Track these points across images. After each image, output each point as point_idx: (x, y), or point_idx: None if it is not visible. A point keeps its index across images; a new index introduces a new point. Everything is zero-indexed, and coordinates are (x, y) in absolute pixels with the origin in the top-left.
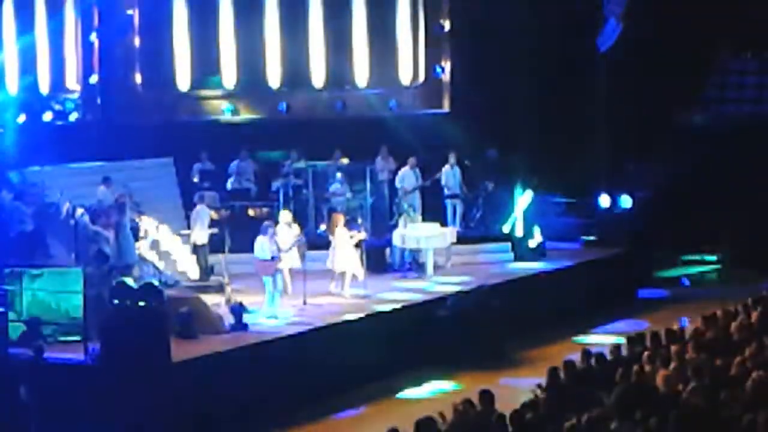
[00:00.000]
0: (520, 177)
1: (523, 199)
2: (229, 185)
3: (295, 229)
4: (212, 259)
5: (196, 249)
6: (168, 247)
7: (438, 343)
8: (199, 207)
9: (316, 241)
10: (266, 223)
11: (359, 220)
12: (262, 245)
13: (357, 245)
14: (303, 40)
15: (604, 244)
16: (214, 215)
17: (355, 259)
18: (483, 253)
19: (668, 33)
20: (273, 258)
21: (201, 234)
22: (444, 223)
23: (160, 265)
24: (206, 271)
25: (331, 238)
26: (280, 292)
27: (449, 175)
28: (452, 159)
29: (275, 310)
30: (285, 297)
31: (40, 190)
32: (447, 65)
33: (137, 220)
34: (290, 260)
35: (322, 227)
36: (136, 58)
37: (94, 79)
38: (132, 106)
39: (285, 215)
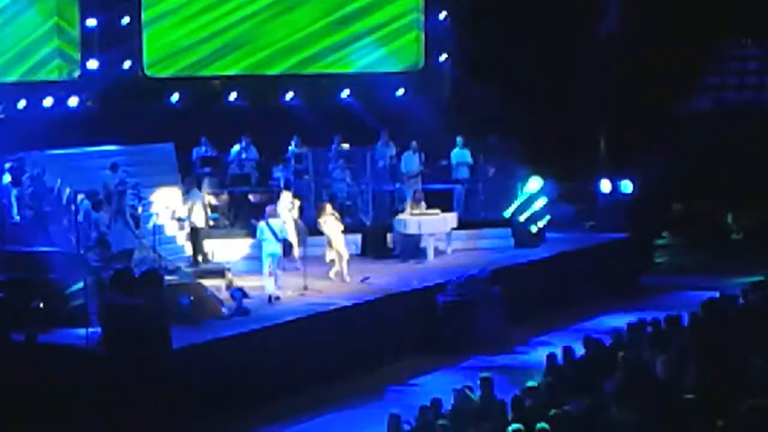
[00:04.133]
0: (527, 164)
1: (532, 185)
2: (230, 170)
3: (296, 210)
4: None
5: (193, 233)
6: (172, 232)
7: (439, 329)
8: (194, 191)
9: (316, 227)
10: (269, 207)
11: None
12: (262, 230)
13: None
14: (304, 25)
15: (605, 230)
16: (213, 200)
17: (342, 243)
18: (483, 239)
19: (670, 19)
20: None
21: (198, 218)
22: (450, 208)
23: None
24: (203, 255)
25: (321, 227)
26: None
27: (456, 157)
28: (460, 141)
29: (273, 290)
30: (287, 278)
31: (41, 175)
32: (448, 50)
33: (140, 210)
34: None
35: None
36: (135, 43)
37: (93, 64)
38: (132, 92)
39: (286, 196)
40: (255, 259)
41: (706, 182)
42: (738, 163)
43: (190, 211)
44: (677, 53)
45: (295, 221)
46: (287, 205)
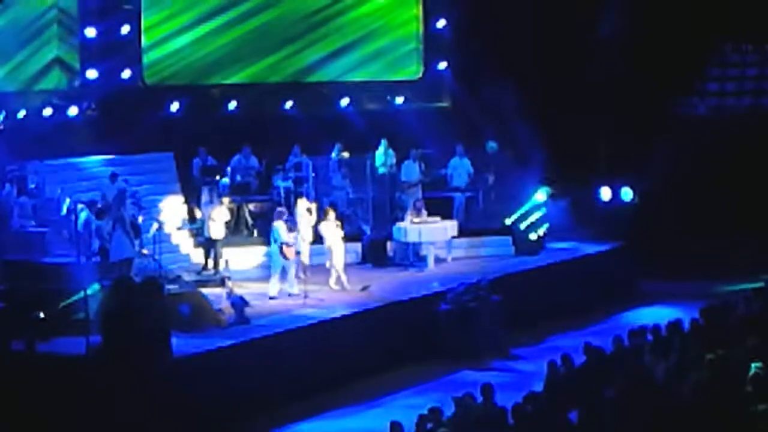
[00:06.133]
0: (538, 175)
1: (539, 196)
2: (228, 180)
3: (314, 216)
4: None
5: (210, 243)
6: (176, 240)
7: (439, 337)
8: (216, 202)
9: (317, 236)
10: (280, 209)
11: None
12: (278, 230)
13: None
14: (304, 34)
15: (605, 237)
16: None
17: (341, 251)
18: (484, 247)
19: (670, 25)
20: (290, 244)
21: (218, 228)
22: (450, 216)
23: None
24: (218, 264)
25: (321, 232)
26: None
27: (457, 166)
28: (460, 150)
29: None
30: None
31: (42, 185)
32: (448, 59)
33: (140, 219)
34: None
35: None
36: (135, 53)
37: (92, 73)
38: (131, 101)
39: (302, 203)
40: (268, 267)
41: (705, 188)
42: (737, 168)
43: (210, 220)
44: (677, 59)
45: (313, 228)
46: (304, 212)
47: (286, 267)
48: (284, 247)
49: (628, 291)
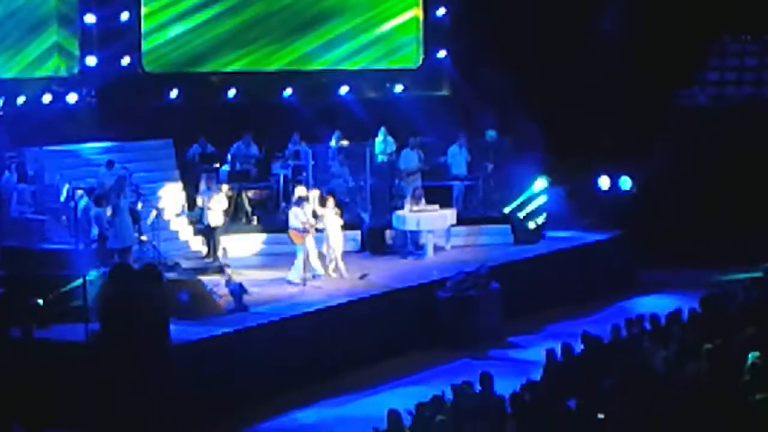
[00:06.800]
0: (537, 163)
1: (538, 184)
2: (228, 167)
3: (311, 204)
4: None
5: (209, 230)
6: (176, 227)
7: (438, 325)
8: (215, 189)
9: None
10: (300, 195)
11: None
12: (296, 215)
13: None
14: (303, 22)
15: (604, 226)
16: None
17: (340, 239)
18: (482, 235)
19: (669, 15)
20: (304, 230)
21: (216, 216)
22: (449, 205)
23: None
24: (217, 252)
25: (320, 216)
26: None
27: (456, 155)
28: (461, 139)
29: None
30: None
31: (41, 171)
32: (447, 47)
33: (139, 206)
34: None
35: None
36: (134, 39)
37: (92, 60)
38: (131, 88)
39: (300, 191)
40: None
41: (704, 178)
42: (736, 158)
43: (208, 207)
44: (676, 49)
45: (314, 212)
46: (302, 195)
47: (296, 252)
48: (292, 232)
49: (626, 280)
